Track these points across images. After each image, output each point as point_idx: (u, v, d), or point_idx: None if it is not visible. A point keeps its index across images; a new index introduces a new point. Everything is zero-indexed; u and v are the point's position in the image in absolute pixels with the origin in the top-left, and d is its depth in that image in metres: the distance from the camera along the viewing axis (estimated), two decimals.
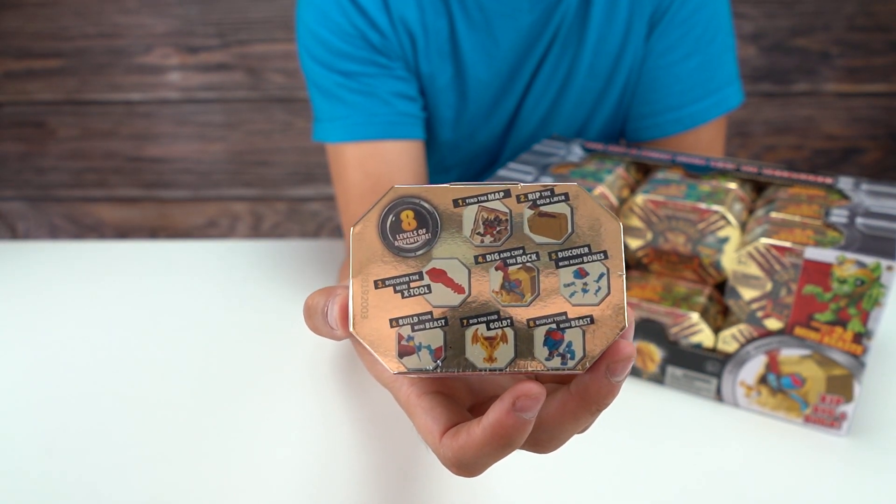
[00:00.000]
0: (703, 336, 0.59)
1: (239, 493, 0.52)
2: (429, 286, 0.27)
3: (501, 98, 0.80)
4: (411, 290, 0.27)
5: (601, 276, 0.27)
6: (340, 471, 0.54)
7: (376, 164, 0.74)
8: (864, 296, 0.51)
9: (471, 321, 0.27)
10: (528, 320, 0.27)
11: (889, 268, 0.49)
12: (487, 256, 0.27)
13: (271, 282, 0.81)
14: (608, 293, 0.27)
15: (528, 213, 0.27)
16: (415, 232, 0.27)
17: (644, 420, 0.58)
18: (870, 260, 0.50)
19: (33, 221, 1.81)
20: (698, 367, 0.59)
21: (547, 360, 0.27)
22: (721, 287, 0.63)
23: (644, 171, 0.71)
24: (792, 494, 0.51)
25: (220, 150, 1.71)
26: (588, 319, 0.27)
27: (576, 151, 0.71)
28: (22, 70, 1.65)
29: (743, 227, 0.59)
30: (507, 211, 0.27)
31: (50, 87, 1.66)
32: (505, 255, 0.27)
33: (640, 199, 0.61)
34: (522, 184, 0.28)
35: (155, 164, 1.73)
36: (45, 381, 0.65)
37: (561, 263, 0.27)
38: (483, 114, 0.81)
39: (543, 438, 0.29)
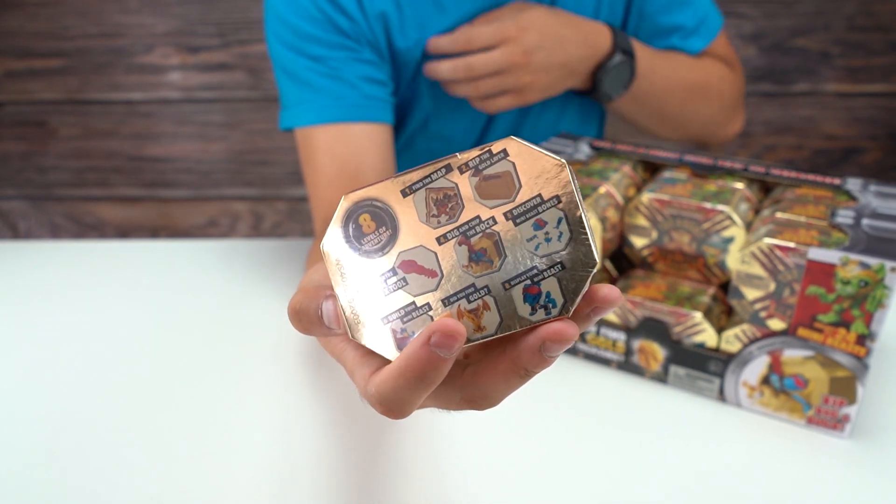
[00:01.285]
0: (707, 336, 0.59)
1: (239, 492, 0.52)
2: (404, 279, 0.28)
3: None
4: (390, 287, 0.28)
5: (559, 220, 0.27)
6: (340, 469, 0.54)
7: (343, 148, 0.74)
8: (867, 297, 0.51)
9: (451, 299, 0.28)
10: (503, 283, 0.28)
11: (893, 269, 0.49)
12: (448, 235, 0.28)
13: (271, 281, 0.81)
14: (571, 236, 0.27)
15: (473, 180, 0.28)
16: (376, 232, 0.28)
17: (646, 419, 0.58)
18: (874, 261, 0.50)
19: (34, 220, 1.81)
20: (701, 366, 0.59)
21: (531, 314, 0.28)
22: (726, 287, 0.63)
23: (651, 171, 0.71)
24: (794, 496, 0.51)
25: (221, 150, 1.71)
26: (559, 267, 0.27)
27: (583, 150, 0.71)
28: (23, 69, 1.64)
29: (749, 227, 0.59)
30: (454, 185, 0.28)
31: (51, 87, 1.66)
32: (464, 228, 0.28)
33: (645, 197, 0.61)
34: (461, 154, 0.28)
35: (156, 163, 1.73)
36: (45, 381, 0.64)
37: (518, 220, 0.27)
38: None
39: (476, 395, 0.30)
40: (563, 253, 0.27)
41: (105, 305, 0.77)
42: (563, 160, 0.27)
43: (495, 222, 0.28)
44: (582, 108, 0.89)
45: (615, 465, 0.53)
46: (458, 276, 0.28)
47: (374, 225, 0.28)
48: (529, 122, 0.86)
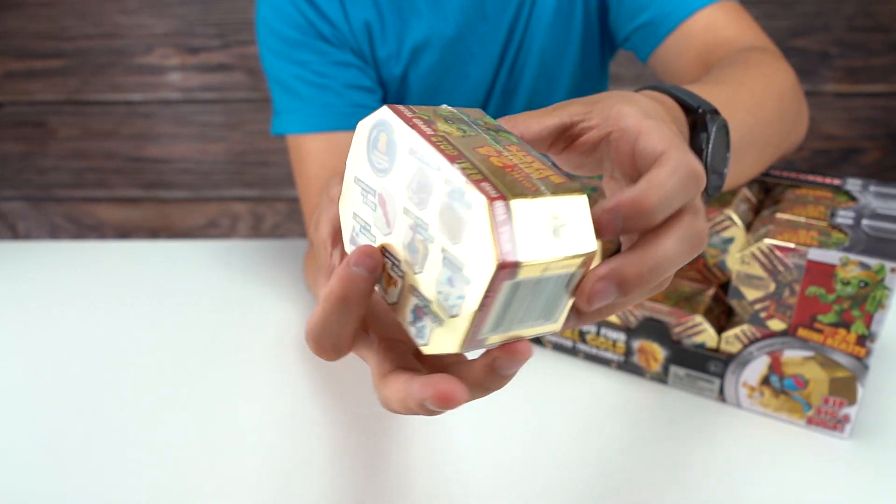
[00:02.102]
0: (707, 336, 0.59)
1: (238, 492, 0.52)
2: (375, 205, 0.30)
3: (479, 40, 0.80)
4: (367, 200, 0.31)
5: (459, 298, 0.27)
6: (339, 469, 0.53)
7: (332, 156, 0.75)
8: (867, 298, 0.51)
9: (385, 254, 0.30)
10: (410, 285, 0.29)
11: (893, 270, 0.49)
12: (410, 214, 0.29)
13: (271, 282, 0.81)
14: (458, 314, 0.27)
15: (445, 201, 0.27)
16: (384, 155, 0.30)
17: (646, 420, 0.58)
18: (874, 262, 0.50)
19: (34, 221, 1.81)
20: (701, 367, 0.59)
21: (409, 324, 0.30)
22: (726, 286, 0.63)
23: None
24: (794, 497, 0.51)
25: (221, 151, 1.71)
26: (438, 322, 0.28)
27: None
28: (23, 70, 1.64)
29: (749, 227, 0.59)
30: (431, 185, 0.28)
31: (51, 88, 1.66)
32: (419, 222, 0.28)
33: None
34: (459, 169, 0.26)
35: (155, 164, 1.73)
36: (44, 381, 0.64)
37: (445, 264, 0.27)
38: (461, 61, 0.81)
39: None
40: (456, 307, 0.27)
41: (104, 306, 0.76)
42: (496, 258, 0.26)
43: (434, 242, 0.27)
44: (589, 94, 0.88)
45: (615, 465, 0.53)
46: (396, 247, 0.30)
47: (385, 149, 0.30)
48: (532, 53, 0.84)
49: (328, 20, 0.74)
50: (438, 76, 0.80)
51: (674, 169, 0.28)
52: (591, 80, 0.86)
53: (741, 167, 0.51)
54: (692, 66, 0.70)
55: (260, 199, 1.76)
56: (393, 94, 0.81)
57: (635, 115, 0.32)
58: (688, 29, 0.70)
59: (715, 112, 0.42)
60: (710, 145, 0.40)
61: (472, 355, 0.65)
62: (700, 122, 0.41)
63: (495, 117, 0.85)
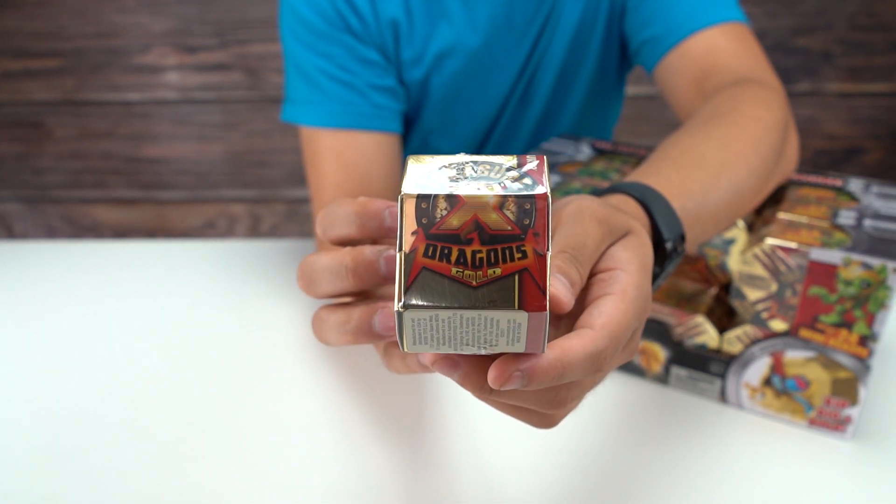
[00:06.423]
0: (708, 337, 0.58)
1: (238, 493, 0.51)
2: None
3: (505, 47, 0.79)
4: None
5: None
6: (338, 470, 0.53)
7: (351, 155, 0.74)
8: (869, 298, 0.50)
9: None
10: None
11: (895, 270, 0.49)
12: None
13: (269, 283, 0.80)
14: None
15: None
16: None
17: (647, 421, 0.57)
18: (876, 262, 0.49)
19: (31, 222, 1.80)
20: (703, 367, 0.59)
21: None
22: (727, 287, 0.62)
23: None
24: (795, 498, 0.50)
25: (219, 151, 1.71)
26: None
27: (584, 150, 0.71)
28: (19, 70, 1.64)
29: (750, 227, 0.59)
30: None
31: (47, 87, 1.65)
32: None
33: None
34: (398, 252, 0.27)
35: (153, 164, 1.72)
36: (41, 382, 0.64)
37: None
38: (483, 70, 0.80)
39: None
40: None
41: (101, 307, 0.76)
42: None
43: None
44: (603, 106, 0.87)
45: (615, 466, 0.53)
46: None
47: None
48: (549, 124, 0.85)
49: (357, 13, 0.73)
50: (460, 84, 0.79)
51: (589, 357, 0.30)
52: (606, 91, 0.85)
53: (709, 237, 0.50)
54: (687, 89, 0.70)
55: (258, 199, 1.75)
56: (413, 98, 0.80)
57: (625, 279, 0.34)
58: (688, 48, 0.70)
59: (681, 238, 0.42)
60: (661, 277, 0.42)
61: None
62: (660, 255, 0.42)
63: (506, 128, 0.84)
